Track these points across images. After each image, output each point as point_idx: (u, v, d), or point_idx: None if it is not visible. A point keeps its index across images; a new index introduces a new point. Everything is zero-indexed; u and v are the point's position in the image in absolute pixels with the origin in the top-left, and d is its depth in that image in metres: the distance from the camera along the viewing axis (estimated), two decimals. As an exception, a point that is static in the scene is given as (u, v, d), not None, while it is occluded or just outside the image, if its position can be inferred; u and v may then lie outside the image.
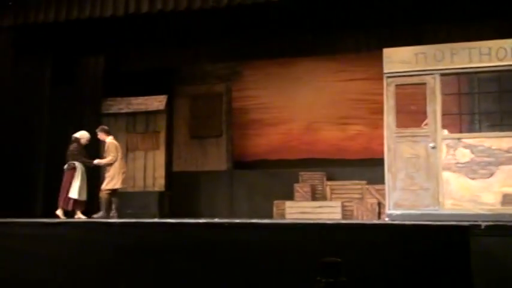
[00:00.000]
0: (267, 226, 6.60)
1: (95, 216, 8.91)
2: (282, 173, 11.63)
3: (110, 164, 9.27)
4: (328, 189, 11.08)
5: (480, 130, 7.41)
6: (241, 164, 12.24)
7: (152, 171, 11.13)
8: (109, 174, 9.27)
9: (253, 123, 12.34)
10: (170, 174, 11.78)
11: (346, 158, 11.63)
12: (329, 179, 11.21)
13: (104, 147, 9.58)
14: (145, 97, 11.56)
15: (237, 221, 7.25)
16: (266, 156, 12.17)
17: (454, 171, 7.08)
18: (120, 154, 9.39)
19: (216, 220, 7.45)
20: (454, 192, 7.03)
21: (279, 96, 12.14)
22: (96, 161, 9.39)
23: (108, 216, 8.97)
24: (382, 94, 7.67)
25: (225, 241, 6.22)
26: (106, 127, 9.76)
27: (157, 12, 8.50)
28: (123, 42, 10.56)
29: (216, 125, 12.30)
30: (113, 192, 9.24)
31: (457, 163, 7.08)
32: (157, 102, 11.47)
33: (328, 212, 10.45)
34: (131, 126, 11.17)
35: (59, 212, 8.88)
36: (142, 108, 11.44)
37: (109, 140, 9.44)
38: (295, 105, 12.03)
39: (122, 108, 11.53)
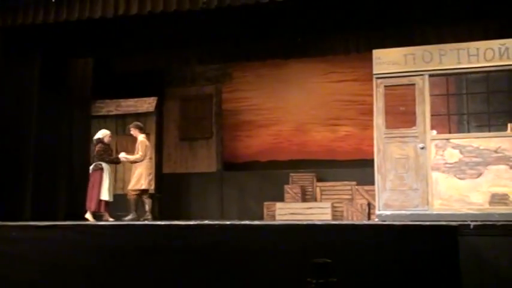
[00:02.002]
0: (257, 227, 6.60)
1: (125, 219, 8.71)
2: (272, 174, 11.66)
3: (136, 162, 9.10)
4: (318, 190, 11.11)
5: (469, 130, 7.47)
6: (231, 165, 12.24)
7: (142, 173, 11.08)
8: (135, 174, 9.11)
9: (243, 125, 12.34)
10: (160, 176, 11.76)
11: (336, 159, 11.68)
12: (319, 180, 11.24)
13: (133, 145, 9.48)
14: (135, 99, 11.54)
15: (228, 222, 7.24)
16: (256, 157, 12.18)
17: (443, 172, 7.12)
18: (149, 154, 9.26)
19: (207, 222, 7.43)
20: (443, 193, 7.07)
21: (269, 97, 12.17)
22: (122, 156, 9.25)
23: (138, 218, 8.84)
24: (371, 95, 7.69)
25: (216, 243, 6.22)
26: (140, 124, 9.62)
27: (147, 14, 8.48)
28: (113, 44, 10.49)
29: (206, 127, 12.30)
30: (142, 193, 9.14)
31: (446, 163, 7.12)
32: (147, 104, 11.46)
33: (318, 213, 10.47)
34: (121, 128, 11.13)
35: (88, 215, 8.66)
36: (132, 110, 11.42)
37: (141, 138, 9.31)
38: (285, 106, 12.06)
39: (111, 110, 11.50)
